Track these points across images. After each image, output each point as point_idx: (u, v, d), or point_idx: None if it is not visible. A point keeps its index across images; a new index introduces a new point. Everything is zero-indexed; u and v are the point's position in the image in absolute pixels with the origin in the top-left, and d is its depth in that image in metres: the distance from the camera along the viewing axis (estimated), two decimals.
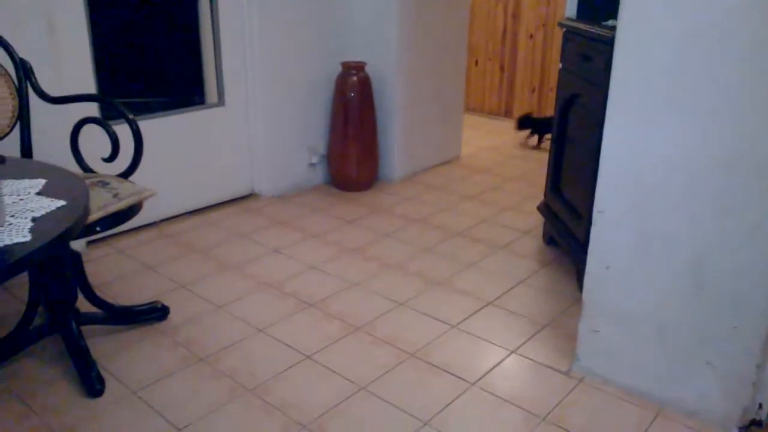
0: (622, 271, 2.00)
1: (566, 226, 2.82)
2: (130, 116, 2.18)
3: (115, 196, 2.02)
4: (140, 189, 2.13)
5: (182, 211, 3.45)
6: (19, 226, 1.29)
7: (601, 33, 2.43)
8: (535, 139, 4.86)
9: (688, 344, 1.91)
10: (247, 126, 3.64)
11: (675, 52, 1.74)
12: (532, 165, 4.42)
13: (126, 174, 2.23)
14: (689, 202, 1.80)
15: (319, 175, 3.99)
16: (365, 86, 3.78)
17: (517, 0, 5.43)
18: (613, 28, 1.99)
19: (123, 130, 2.19)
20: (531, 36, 5.44)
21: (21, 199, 1.45)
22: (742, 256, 1.74)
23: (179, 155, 3.36)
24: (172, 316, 2.46)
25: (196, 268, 2.88)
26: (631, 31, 1.83)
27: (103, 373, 2.08)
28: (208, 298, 2.61)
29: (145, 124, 3.11)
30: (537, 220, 3.38)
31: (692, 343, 1.91)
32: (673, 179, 1.82)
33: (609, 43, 2.13)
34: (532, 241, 3.22)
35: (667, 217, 1.86)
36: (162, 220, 3.35)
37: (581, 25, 2.69)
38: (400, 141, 4.02)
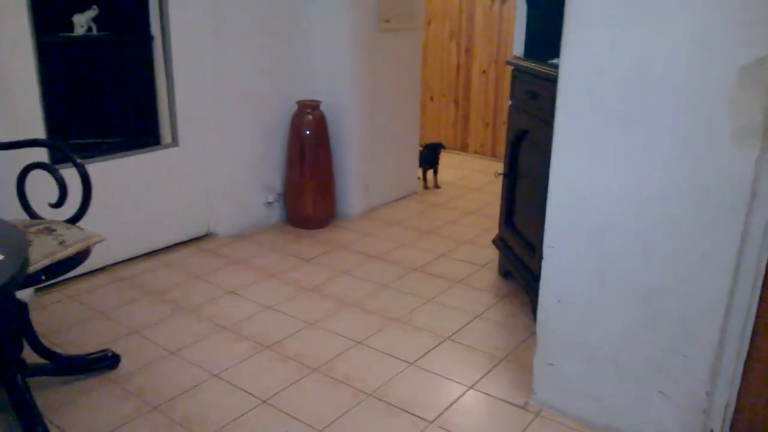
0: (575, 304, 2.03)
1: (520, 259, 2.86)
2: (78, 160, 2.15)
3: (61, 243, 1.98)
4: (88, 235, 2.08)
5: (137, 253, 3.39)
6: None
7: (547, 71, 2.50)
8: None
9: (642, 374, 1.95)
10: (202, 166, 3.62)
11: (618, 89, 1.81)
12: (489, 198, 4.48)
13: (74, 219, 2.19)
14: (640, 233, 1.85)
15: (276, 213, 3.98)
16: (321, 124, 3.80)
17: (470, 36, 5.57)
18: (557, 67, 2.06)
19: (74, 174, 2.16)
20: (484, 72, 5.56)
21: None
22: (693, 285, 1.79)
23: (133, 197, 3.31)
24: (124, 364, 2.40)
25: (150, 312, 2.82)
26: (575, 70, 1.89)
27: (50, 426, 2.00)
28: (162, 344, 2.56)
29: (98, 167, 3.10)
30: (493, 253, 3.42)
31: (646, 373, 1.94)
32: (622, 211, 1.87)
33: (555, 81, 2.19)
34: (488, 275, 3.25)
35: (618, 249, 1.90)
36: (116, 263, 3.28)
37: (528, 64, 2.77)
38: (356, 177, 4.05)
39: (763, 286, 1.73)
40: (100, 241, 2.08)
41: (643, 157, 1.80)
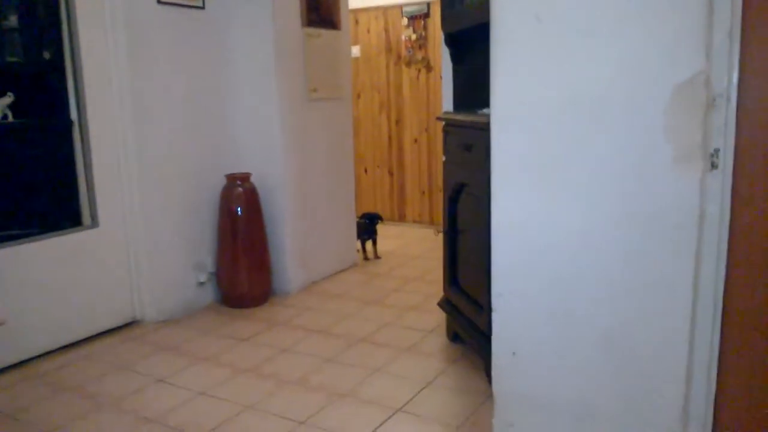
0: (530, 356, 1.89)
1: (468, 319, 2.72)
2: None
3: None
4: None
5: (54, 346, 3.07)
6: None
7: (478, 120, 2.46)
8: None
9: (609, 424, 1.80)
10: (125, 247, 3.38)
11: (551, 124, 1.75)
12: (431, 264, 4.37)
13: None
14: (588, 270, 1.75)
15: (208, 293, 3.74)
16: (252, 197, 3.65)
17: (399, 107, 5.61)
18: (488, 116, 1.99)
19: None
20: (416, 140, 5.58)
21: None
22: (652, 318, 1.68)
23: (48, 284, 3.03)
24: None
25: (67, 409, 2.51)
26: (506, 110, 1.84)
27: None
28: None
29: (9, 252, 2.84)
30: (440, 318, 3.27)
31: (613, 422, 1.79)
32: (568, 248, 1.77)
33: (487, 129, 2.13)
34: (437, 340, 3.08)
35: (568, 288, 1.79)
36: (28, 360, 2.95)
37: (459, 116, 2.73)
38: (292, 251, 3.88)
39: (723, 312, 1.64)
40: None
41: (586, 190, 1.73)
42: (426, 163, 5.56)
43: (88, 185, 3.26)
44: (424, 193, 5.61)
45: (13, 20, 3.48)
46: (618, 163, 1.67)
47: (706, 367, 1.66)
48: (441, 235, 3.01)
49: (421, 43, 5.42)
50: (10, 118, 3.26)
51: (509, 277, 1.89)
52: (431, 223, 5.58)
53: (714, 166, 1.61)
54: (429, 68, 5.42)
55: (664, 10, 1.57)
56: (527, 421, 1.93)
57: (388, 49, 5.61)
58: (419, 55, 5.45)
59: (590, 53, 1.68)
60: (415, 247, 4.93)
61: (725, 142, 1.60)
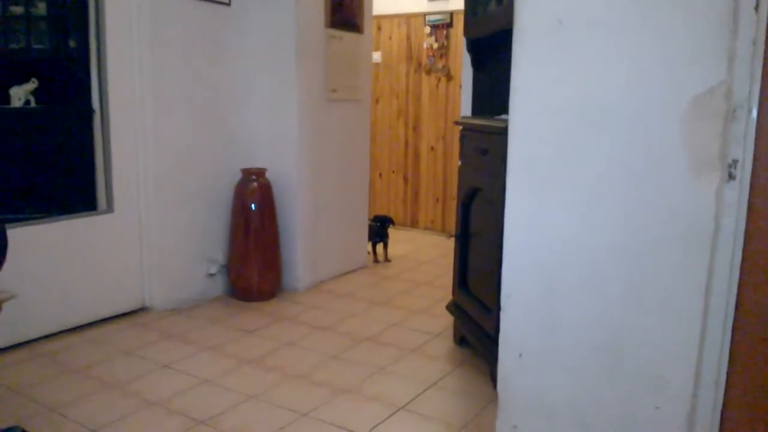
0: (535, 357, 1.88)
1: (476, 322, 2.71)
2: None
3: None
4: None
5: (62, 328, 3.10)
6: None
7: (495, 125, 2.47)
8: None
9: None
10: (138, 235, 3.41)
11: (568, 129, 1.76)
12: (442, 270, 4.37)
13: None
14: (595, 276, 1.75)
15: (218, 286, 3.76)
16: (266, 193, 3.67)
17: (417, 114, 5.63)
18: (506, 121, 1.99)
19: None
20: (432, 148, 5.60)
21: None
22: (658, 328, 1.68)
23: (60, 265, 3.07)
24: None
25: (71, 389, 2.53)
26: (524, 113, 1.85)
27: None
28: (82, 422, 2.27)
29: (25, 232, 2.88)
30: (447, 322, 3.26)
31: (615, 431, 1.78)
32: (576, 254, 1.77)
33: (503, 134, 2.14)
34: (443, 343, 3.08)
35: (574, 294, 1.79)
36: (36, 339, 2.98)
37: (476, 121, 2.74)
38: (303, 249, 3.89)
39: (733, 327, 1.63)
40: (9, 298, 1.85)
41: (599, 196, 1.73)
42: (441, 171, 5.56)
43: (105, 172, 3.29)
44: (437, 200, 5.62)
45: (41, 8, 3.54)
46: (633, 169, 1.67)
47: (713, 382, 1.65)
48: (452, 241, 3.02)
49: (443, 52, 5.44)
50: (33, 104, 3.31)
51: (518, 278, 1.89)
52: (443, 230, 5.58)
53: (732, 177, 1.60)
54: (449, 77, 5.44)
55: (686, 17, 1.57)
56: (531, 424, 1.92)
57: (409, 57, 5.63)
58: (440, 64, 5.47)
59: (609, 58, 1.68)
60: (426, 253, 4.93)
61: (744, 153, 1.59)
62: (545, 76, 1.79)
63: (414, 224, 5.76)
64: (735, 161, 1.60)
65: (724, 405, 1.67)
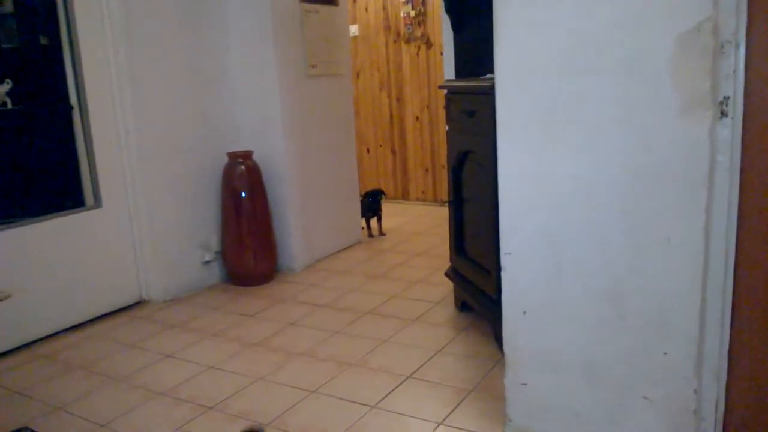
0: (539, 312, 1.87)
1: (476, 286, 2.71)
2: None
3: None
4: None
5: (60, 328, 3.07)
6: None
7: (481, 85, 2.43)
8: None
9: (620, 381, 1.79)
10: (129, 228, 3.37)
11: (555, 76, 1.73)
12: (436, 240, 4.36)
13: None
14: (596, 224, 1.73)
15: (214, 272, 3.73)
16: (254, 175, 3.63)
17: (400, 85, 5.58)
18: (492, 79, 1.96)
19: None
20: (417, 118, 5.55)
21: None
22: (661, 273, 1.67)
23: (53, 265, 3.03)
24: None
25: (76, 386, 2.51)
26: (510, 65, 1.81)
27: None
28: (90, 417, 2.25)
29: (13, 234, 2.83)
30: (447, 290, 3.26)
31: (624, 379, 1.78)
32: (575, 203, 1.76)
33: (490, 93, 2.10)
34: (445, 310, 3.07)
35: (575, 244, 1.77)
36: (35, 341, 2.95)
37: (462, 83, 2.70)
38: (297, 229, 3.86)
39: (735, 264, 1.63)
40: (3, 299, 1.82)
41: (592, 143, 1.71)
42: (428, 141, 5.53)
43: (90, 167, 3.24)
44: (427, 170, 5.59)
45: (8, 5, 3.45)
46: (624, 113, 1.65)
47: (719, 323, 1.64)
48: (445, 210, 3.00)
49: (420, 19, 5.37)
50: (9, 105, 3.24)
51: (516, 235, 1.87)
52: (435, 199, 5.57)
53: (724, 114, 1.58)
54: (429, 44, 5.38)
55: None
56: (538, 380, 1.92)
57: (387, 27, 5.56)
58: (418, 32, 5.40)
59: (591, 2, 1.65)
60: (419, 224, 4.91)
61: (735, 89, 1.57)
62: (531, 21, 1.75)
63: (405, 196, 5.74)
64: (726, 98, 1.57)
65: (731, 345, 1.67)
